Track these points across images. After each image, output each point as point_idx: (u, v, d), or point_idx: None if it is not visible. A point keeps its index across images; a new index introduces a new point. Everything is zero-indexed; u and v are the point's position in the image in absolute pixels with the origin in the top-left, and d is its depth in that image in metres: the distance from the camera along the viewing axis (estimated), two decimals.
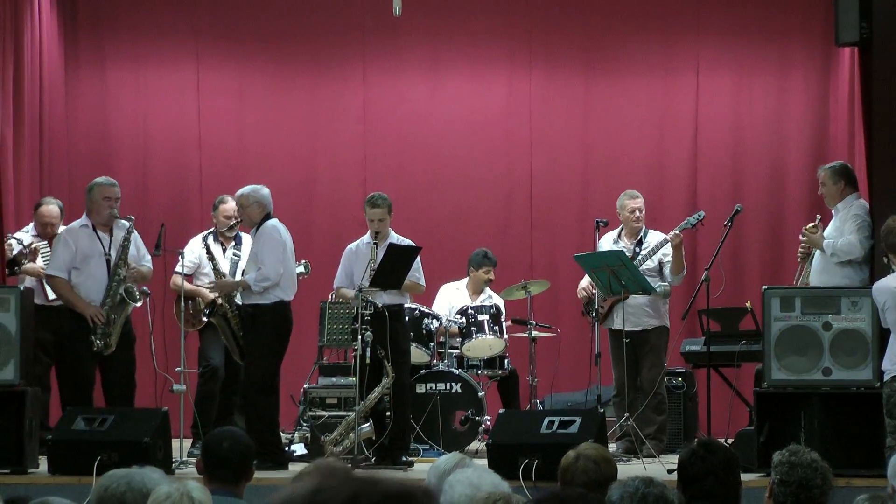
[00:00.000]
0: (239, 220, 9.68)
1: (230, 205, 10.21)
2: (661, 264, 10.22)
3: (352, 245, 9.84)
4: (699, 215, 10.22)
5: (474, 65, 12.67)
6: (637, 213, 10.26)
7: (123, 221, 9.46)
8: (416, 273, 9.68)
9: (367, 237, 9.71)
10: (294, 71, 12.71)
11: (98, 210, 9.38)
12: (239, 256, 10.21)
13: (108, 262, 9.36)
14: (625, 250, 10.15)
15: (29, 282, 10.11)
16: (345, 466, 1.83)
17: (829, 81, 12.31)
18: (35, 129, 11.58)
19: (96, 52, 12.59)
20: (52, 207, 10.26)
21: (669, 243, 10.10)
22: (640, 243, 10.28)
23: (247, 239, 10.21)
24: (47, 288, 10.04)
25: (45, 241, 10.15)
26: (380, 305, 9.43)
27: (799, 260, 9.60)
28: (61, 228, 9.95)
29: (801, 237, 9.49)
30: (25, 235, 10.28)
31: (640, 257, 10.15)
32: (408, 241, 9.74)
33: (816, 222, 9.43)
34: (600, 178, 12.42)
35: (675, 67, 12.55)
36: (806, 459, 4.53)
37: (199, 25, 12.66)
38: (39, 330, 10.02)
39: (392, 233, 9.74)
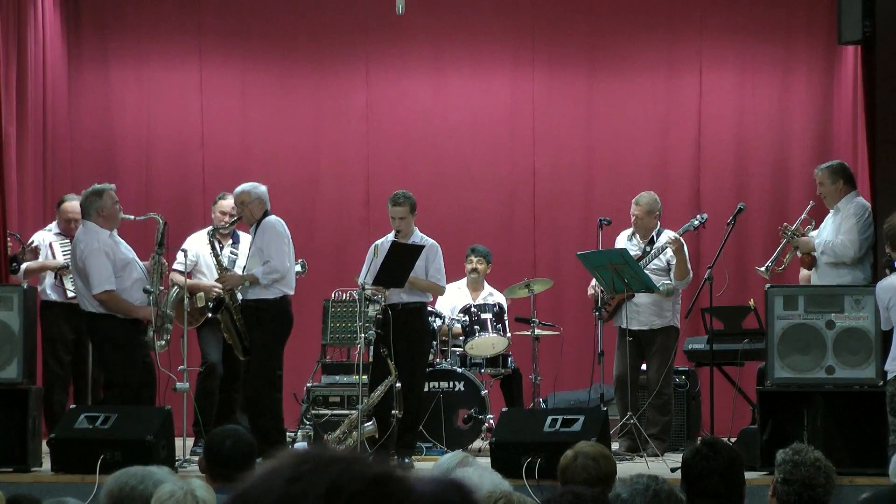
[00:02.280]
0: (238, 217, 9.66)
1: (228, 201, 10.21)
2: (669, 265, 10.21)
3: (377, 241, 9.82)
4: (702, 217, 10.20)
5: (478, 63, 12.67)
6: (633, 218, 10.28)
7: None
8: (437, 274, 9.70)
9: (391, 234, 9.72)
10: (297, 70, 12.71)
11: (112, 215, 9.29)
12: (236, 255, 10.20)
13: (137, 264, 9.35)
14: (636, 249, 10.16)
15: (49, 282, 10.12)
16: (319, 451, 1.77)
17: (832, 80, 12.31)
18: (38, 127, 11.59)
19: (99, 51, 12.60)
20: (74, 203, 10.22)
21: (670, 248, 10.10)
22: (651, 242, 10.27)
23: (244, 238, 10.22)
24: (67, 283, 10.04)
25: (68, 239, 10.14)
26: (382, 303, 9.45)
27: (782, 237, 9.57)
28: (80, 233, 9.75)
29: (784, 232, 9.51)
30: (48, 234, 10.29)
31: (647, 256, 10.15)
32: (430, 241, 9.75)
33: (800, 222, 9.49)
34: (604, 177, 12.42)
35: (678, 66, 12.55)
36: (809, 458, 4.53)
37: (202, 24, 12.66)
38: (60, 328, 10.02)
39: (416, 231, 9.75)
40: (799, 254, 9.54)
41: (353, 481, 1.70)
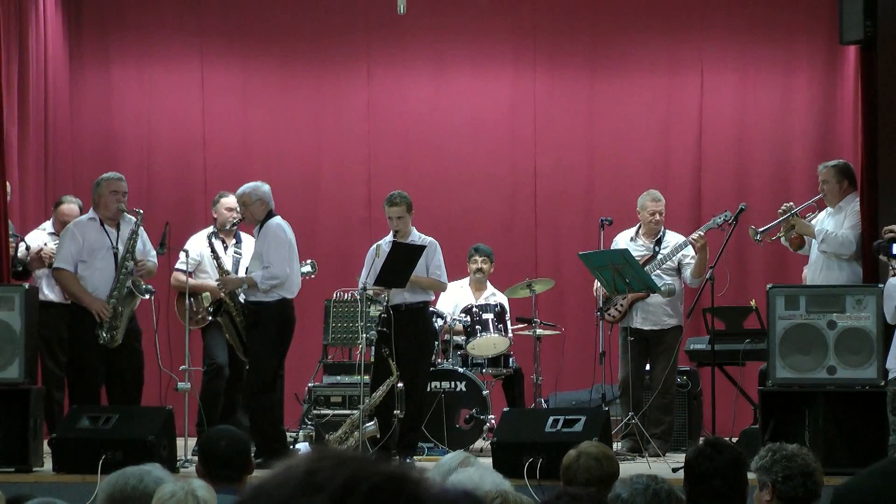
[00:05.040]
0: (241, 218, 9.66)
1: (229, 199, 10.22)
2: (680, 265, 10.19)
3: (377, 243, 9.80)
4: (726, 216, 10.08)
5: (479, 63, 12.67)
6: (657, 216, 10.22)
7: (130, 216, 9.49)
8: (438, 270, 9.69)
9: (390, 235, 9.71)
10: (298, 69, 12.71)
11: (106, 204, 9.42)
12: (240, 254, 10.21)
13: (115, 255, 9.39)
14: (644, 249, 10.14)
15: (46, 281, 10.11)
16: (337, 448, 1.84)
17: (834, 80, 12.30)
18: (40, 128, 11.59)
19: (101, 52, 12.60)
20: (72, 206, 10.28)
21: (690, 245, 10.06)
22: (658, 243, 10.24)
23: (247, 237, 10.22)
24: None
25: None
26: (385, 303, 9.46)
27: (780, 216, 9.58)
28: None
29: (788, 209, 9.53)
30: (42, 233, 10.29)
31: (660, 257, 10.11)
32: (429, 239, 9.75)
33: (805, 206, 9.54)
34: (605, 177, 12.42)
35: (679, 66, 12.54)
36: (794, 449, 4.54)
37: (203, 24, 12.66)
38: (56, 328, 10.03)
39: (414, 231, 9.74)
40: (794, 233, 9.53)
41: (371, 476, 1.73)
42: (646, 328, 10.04)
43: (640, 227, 10.35)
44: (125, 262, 9.39)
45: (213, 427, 6.91)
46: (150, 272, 9.65)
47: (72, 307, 9.53)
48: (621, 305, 10.12)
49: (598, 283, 10.20)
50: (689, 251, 10.10)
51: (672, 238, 10.26)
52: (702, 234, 10.04)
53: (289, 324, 9.47)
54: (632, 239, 10.30)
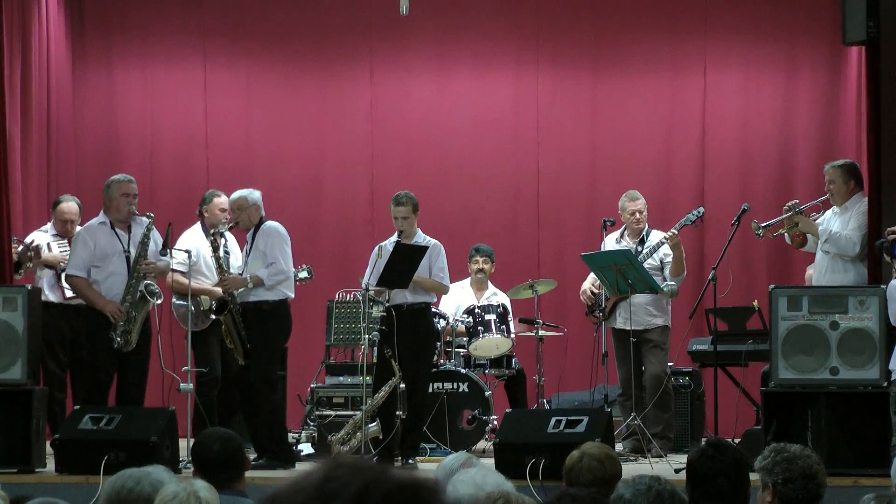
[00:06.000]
0: (236, 223, 9.61)
1: (223, 198, 10.18)
2: (662, 263, 10.20)
3: (381, 243, 9.78)
4: (698, 212, 10.20)
5: (481, 64, 12.67)
6: (637, 214, 10.24)
7: (143, 218, 9.48)
8: (441, 273, 9.69)
9: (395, 236, 9.72)
10: (301, 70, 12.72)
11: (117, 207, 9.39)
12: (228, 252, 10.17)
13: (127, 258, 9.37)
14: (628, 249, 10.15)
15: (47, 282, 10.10)
16: (352, 457, 1.85)
17: (836, 80, 12.30)
18: (42, 128, 11.59)
19: (104, 52, 12.61)
20: (71, 205, 10.26)
21: (667, 243, 10.08)
22: (642, 242, 10.26)
23: (230, 236, 10.20)
24: (65, 286, 10.05)
25: (65, 240, 10.14)
26: (387, 304, 9.46)
27: (785, 212, 9.56)
28: (79, 227, 9.92)
29: (791, 207, 9.50)
30: (44, 235, 10.27)
31: (640, 256, 10.13)
32: (434, 241, 9.75)
33: (810, 205, 9.52)
34: (608, 177, 12.42)
35: (682, 66, 12.54)
36: (797, 451, 4.53)
37: (206, 24, 12.67)
38: (58, 328, 10.03)
39: (419, 232, 9.74)
40: (797, 230, 9.51)
41: (385, 485, 1.73)
42: (629, 328, 10.02)
43: (625, 228, 10.36)
44: (137, 265, 9.37)
45: (202, 432, 6.89)
46: (162, 272, 9.65)
47: (83, 311, 9.50)
48: (605, 306, 10.13)
49: (584, 287, 10.23)
50: (669, 249, 10.12)
51: (656, 237, 10.28)
52: (675, 231, 10.04)
53: (288, 324, 9.49)
54: (617, 241, 10.30)
